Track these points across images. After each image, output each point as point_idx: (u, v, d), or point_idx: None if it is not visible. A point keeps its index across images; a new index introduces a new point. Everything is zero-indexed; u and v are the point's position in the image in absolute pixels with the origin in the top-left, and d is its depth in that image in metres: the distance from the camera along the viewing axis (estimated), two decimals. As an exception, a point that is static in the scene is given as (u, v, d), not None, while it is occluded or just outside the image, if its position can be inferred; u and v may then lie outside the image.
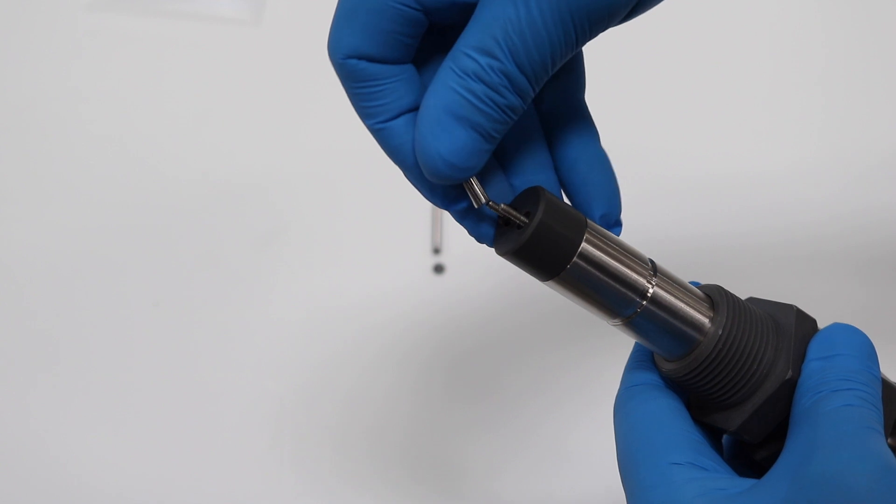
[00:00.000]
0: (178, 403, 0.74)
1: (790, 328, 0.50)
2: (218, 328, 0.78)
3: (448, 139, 0.46)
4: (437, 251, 0.82)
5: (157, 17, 0.99)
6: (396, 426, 0.73)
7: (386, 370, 0.76)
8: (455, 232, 0.83)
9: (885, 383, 0.50)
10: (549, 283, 0.47)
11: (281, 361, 0.76)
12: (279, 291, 0.80)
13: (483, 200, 0.47)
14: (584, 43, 0.46)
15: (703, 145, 0.88)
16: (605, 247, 0.47)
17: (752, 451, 0.51)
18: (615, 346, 0.70)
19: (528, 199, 0.47)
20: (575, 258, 0.47)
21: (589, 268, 0.47)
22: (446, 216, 0.82)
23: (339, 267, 0.81)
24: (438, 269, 0.81)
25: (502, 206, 0.47)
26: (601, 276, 0.47)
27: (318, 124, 0.92)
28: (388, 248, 0.82)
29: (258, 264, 0.81)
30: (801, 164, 0.86)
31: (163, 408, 0.74)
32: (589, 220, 0.47)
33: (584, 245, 0.47)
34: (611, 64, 0.72)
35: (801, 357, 0.49)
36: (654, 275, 0.48)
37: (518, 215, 0.47)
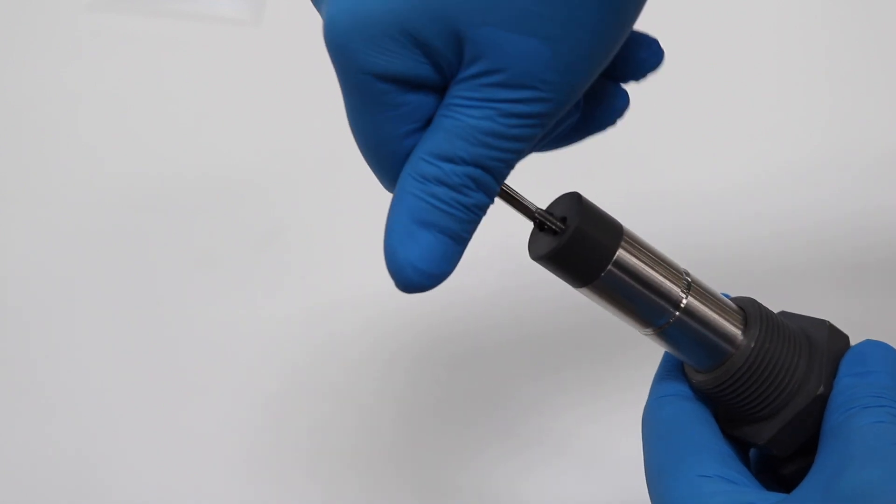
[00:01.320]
0: (178, 403, 0.74)
1: (822, 343, 0.50)
2: (217, 328, 0.78)
3: (416, 247, 0.45)
4: (436, 251, 0.82)
5: (157, 17, 0.99)
6: (396, 426, 0.73)
7: (385, 370, 0.76)
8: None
9: None
10: (583, 290, 0.47)
11: (280, 361, 0.76)
12: (279, 291, 0.80)
13: (533, 210, 0.46)
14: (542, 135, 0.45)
15: (699, 150, 0.88)
16: (640, 255, 0.47)
17: (779, 466, 0.51)
18: (619, 346, 0.70)
19: (565, 203, 0.47)
20: (610, 266, 0.46)
21: (623, 276, 0.47)
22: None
23: (338, 267, 0.81)
24: (438, 269, 0.81)
25: (538, 210, 0.47)
26: (635, 284, 0.47)
27: (318, 124, 0.92)
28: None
29: (258, 264, 0.81)
30: (803, 166, 0.86)
31: (162, 408, 0.74)
32: (625, 228, 0.47)
33: (619, 252, 0.46)
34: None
35: (832, 373, 0.49)
36: (689, 285, 0.48)
37: (554, 220, 0.46)
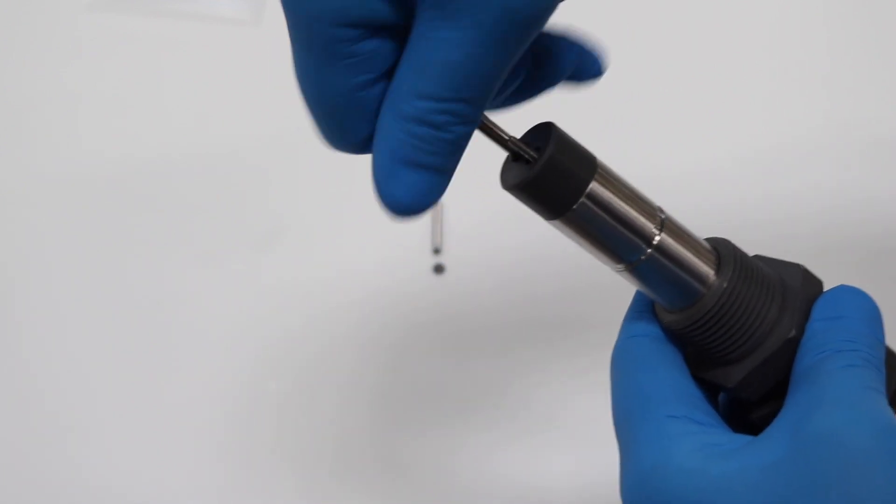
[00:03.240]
0: (177, 403, 0.74)
1: (796, 287, 0.49)
2: (217, 328, 0.78)
3: (401, 185, 0.44)
4: (437, 251, 0.82)
5: (157, 17, 0.99)
6: (396, 426, 0.73)
7: (385, 370, 0.76)
8: (455, 232, 0.83)
9: (889, 351, 0.49)
10: (555, 222, 0.46)
11: (280, 361, 0.76)
12: (278, 291, 0.80)
13: (506, 138, 0.45)
14: (523, 51, 0.44)
15: (693, 136, 0.88)
16: (614, 189, 0.46)
17: (748, 410, 0.50)
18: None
19: (539, 133, 0.46)
20: (582, 198, 0.45)
21: (596, 209, 0.46)
22: (447, 216, 0.82)
23: (338, 267, 0.81)
24: (438, 269, 0.81)
25: (511, 139, 0.45)
26: (608, 218, 0.46)
27: (318, 124, 0.92)
28: (388, 248, 0.82)
29: (257, 264, 0.81)
30: (796, 151, 0.86)
31: (161, 407, 0.74)
32: (600, 161, 0.46)
33: (593, 184, 0.45)
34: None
35: (805, 317, 0.48)
36: (662, 222, 0.47)
37: (528, 150, 0.45)
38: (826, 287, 0.50)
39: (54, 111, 0.92)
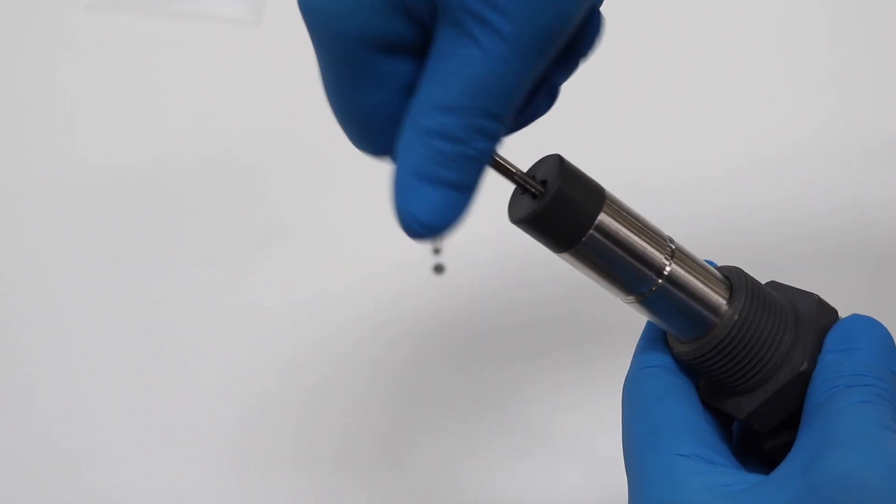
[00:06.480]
0: (174, 405, 0.74)
1: (810, 317, 0.48)
2: (217, 327, 0.78)
3: (420, 202, 0.44)
4: (437, 251, 0.82)
5: (157, 17, 0.99)
6: (396, 426, 0.73)
7: (385, 371, 0.76)
8: (455, 232, 0.82)
9: None
10: (564, 255, 0.46)
11: (279, 362, 0.76)
12: (278, 291, 0.80)
13: (513, 171, 0.45)
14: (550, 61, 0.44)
15: (692, 142, 0.88)
16: (623, 220, 0.45)
17: (762, 440, 0.49)
18: (623, 348, 0.70)
19: (547, 166, 0.45)
20: (591, 230, 0.45)
21: (605, 241, 0.45)
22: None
23: (338, 267, 0.81)
24: (438, 269, 0.81)
25: (518, 173, 0.45)
26: (617, 250, 0.45)
27: (317, 124, 0.91)
28: (388, 248, 0.82)
29: (256, 264, 0.81)
30: (797, 155, 0.86)
31: (158, 410, 0.74)
32: (608, 192, 0.46)
33: (601, 216, 0.45)
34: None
35: (818, 348, 0.48)
36: (673, 252, 0.47)
37: (535, 183, 0.45)
38: (843, 314, 0.49)
39: (53, 111, 0.92)
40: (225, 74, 0.96)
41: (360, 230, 0.83)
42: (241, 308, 0.79)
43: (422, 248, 0.82)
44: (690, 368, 0.49)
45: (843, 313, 0.50)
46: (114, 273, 0.81)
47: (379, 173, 0.77)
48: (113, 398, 0.74)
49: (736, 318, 0.47)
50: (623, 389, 0.50)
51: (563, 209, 0.44)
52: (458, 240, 0.83)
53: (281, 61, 0.97)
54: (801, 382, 0.47)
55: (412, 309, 0.79)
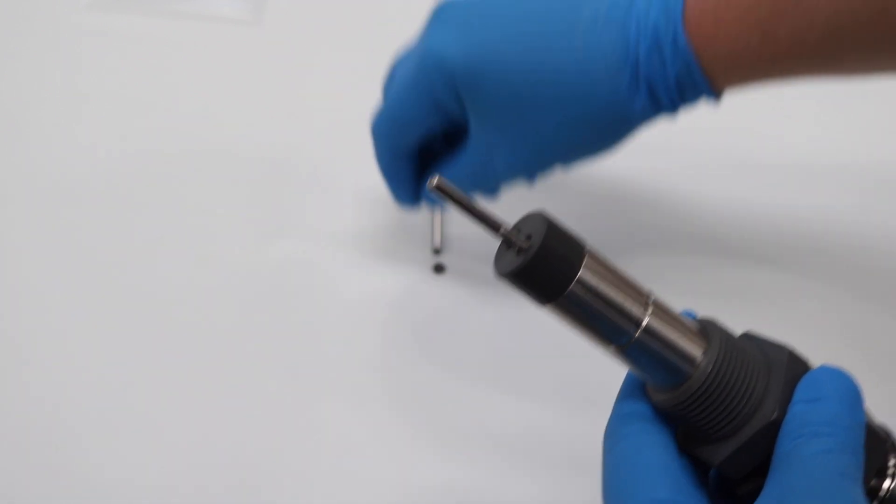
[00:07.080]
0: (176, 403, 0.74)
1: (781, 368, 0.50)
2: (217, 328, 0.78)
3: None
4: (437, 251, 0.82)
5: (157, 17, 0.99)
6: (396, 426, 0.73)
7: (385, 371, 0.76)
8: (455, 232, 0.82)
9: (870, 428, 0.51)
10: (546, 307, 0.48)
11: (279, 361, 0.76)
12: (277, 291, 0.80)
13: (499, 228, 0.48)
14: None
15: (693, 140, 0.88)
16: (602, 275, 0.48)
17: (736, 486, 0.51)
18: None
19: (532, 222, 0.48)
20: (573, 285, 0.47)
21: (585, 295, 0.48)
22: (447, 216, 0.82)
23: (338, 266, 0.81)
24: (438, 269, 0.81)
25: (503, 229, 0.48)
26: (597, 303, 0.48)
27: (318, 123, 0.92)
28: (388, 249, 0.82)
29: (256, 264, 0.81)
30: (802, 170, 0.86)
31: (160, 407, 0.74)
32: (589, 247, 0.48)
33: (582, 272, 0.47)
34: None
35: (788, 398, 0.50)
36: (650, 305, 0.49)
37: (519, 240, 0.47)
38: (815, 364, 0.51)
39: (53, 111, 0.92)
40: (225, 74, 0.96)
41: (360, 230, 0.83)
42: (241, 308, 0.79)
43: (422, 248, 0.82)
44: (669, 416, 0.51)
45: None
46: (112, 272, 0.81)
47: (378, 174, 0.77)
48: (113, 398, 0.74)
49: (710, 368, 0.49)
50: (603, 436, 0.52)
51: (545, 264, 0.47)
52: (458, 240, 0.83)
53: (281, 61, 0.97)
54: (772, 431, 0.49)
55: (412, 308, 0.79)
